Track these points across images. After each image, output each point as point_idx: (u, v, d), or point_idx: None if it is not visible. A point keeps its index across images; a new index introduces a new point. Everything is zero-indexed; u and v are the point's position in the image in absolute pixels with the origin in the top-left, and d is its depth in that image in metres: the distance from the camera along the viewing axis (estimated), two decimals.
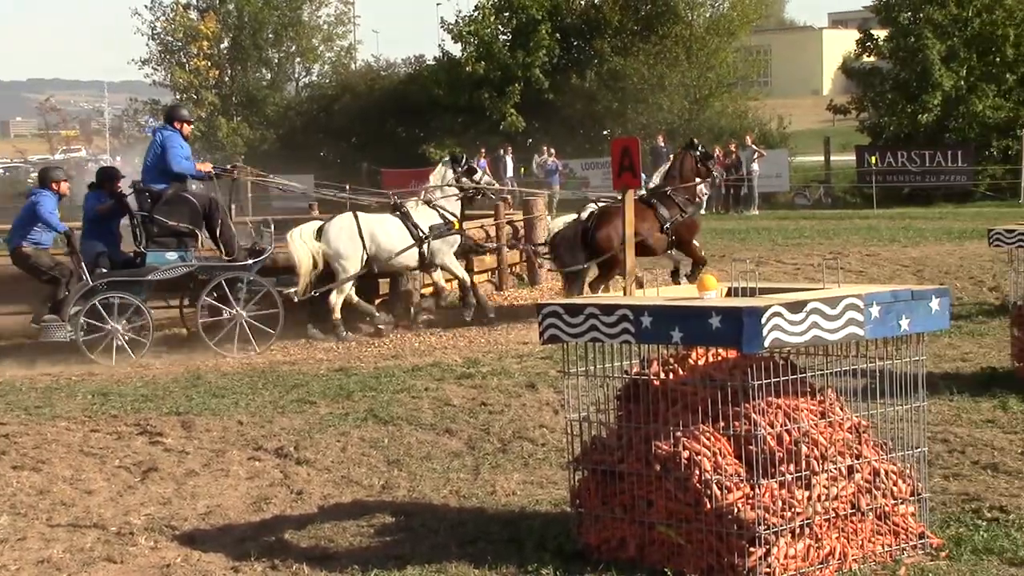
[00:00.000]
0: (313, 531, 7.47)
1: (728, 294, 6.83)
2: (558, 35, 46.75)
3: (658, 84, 44.11)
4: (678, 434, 6.20)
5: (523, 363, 12.72)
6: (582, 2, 48.08)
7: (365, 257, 15.30)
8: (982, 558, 6.45)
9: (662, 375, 6.46)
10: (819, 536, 6.13)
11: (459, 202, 16.02)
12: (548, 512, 7.64)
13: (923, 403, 6.59)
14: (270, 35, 52.89)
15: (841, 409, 6.51)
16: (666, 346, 6.45)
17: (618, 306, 6.34)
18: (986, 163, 37.96)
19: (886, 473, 6.41)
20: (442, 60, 49.41)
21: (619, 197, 14.97)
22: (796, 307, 6.03)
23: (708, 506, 6.04)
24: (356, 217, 15.48)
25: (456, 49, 48.35)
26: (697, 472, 6.07)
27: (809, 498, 6.12)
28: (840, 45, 63.00)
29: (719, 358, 6.50)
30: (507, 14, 47.31)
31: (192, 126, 16.28)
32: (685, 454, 6.12)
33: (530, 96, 45.90)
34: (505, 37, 47.59)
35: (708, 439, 6.15)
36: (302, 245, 15.18)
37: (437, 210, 15.77)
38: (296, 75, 54.90)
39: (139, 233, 14.70)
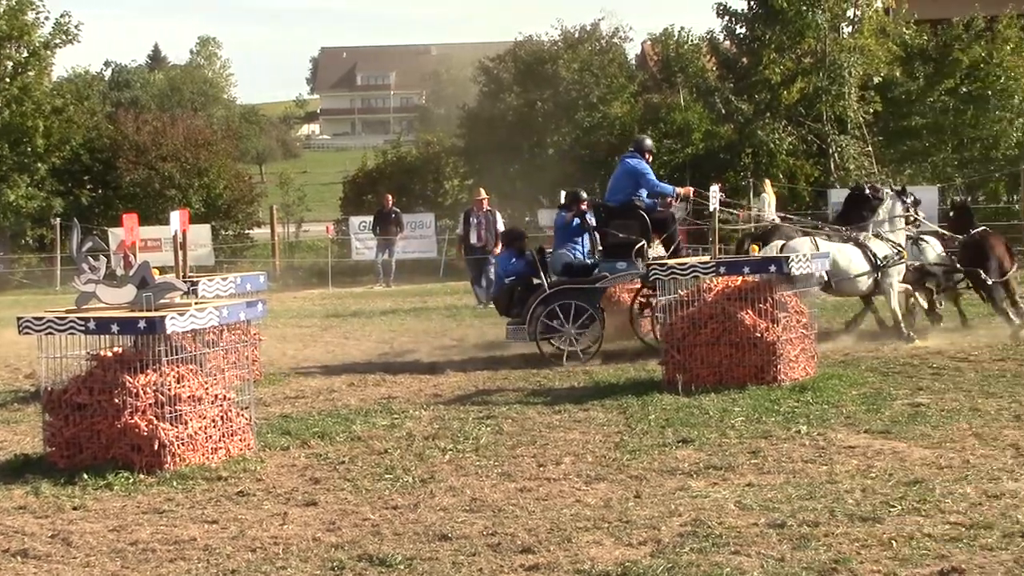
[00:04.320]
0: None
1: None
2: None
3: None
4: None
5: None
6: None
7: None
8: None
9: None
10: None
11: (905, 232, 17.41)
12: None
13: None
14: None
15: None
16: None
17: None
18: (22, 252, 38.15)
19: None
20: None
21: None
22: None
23: None
24: (815, 242, 16.78)
25: None
26: None
27: None
28: None
29: None
30: None
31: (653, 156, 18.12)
32: None
33: None
34: None
35: None
36: None
37: (887, 241, 17.10)
38: None
39: (593, 244, 16.55)
